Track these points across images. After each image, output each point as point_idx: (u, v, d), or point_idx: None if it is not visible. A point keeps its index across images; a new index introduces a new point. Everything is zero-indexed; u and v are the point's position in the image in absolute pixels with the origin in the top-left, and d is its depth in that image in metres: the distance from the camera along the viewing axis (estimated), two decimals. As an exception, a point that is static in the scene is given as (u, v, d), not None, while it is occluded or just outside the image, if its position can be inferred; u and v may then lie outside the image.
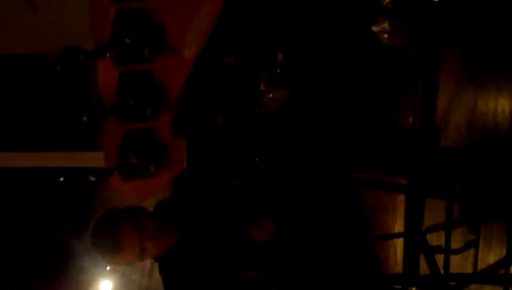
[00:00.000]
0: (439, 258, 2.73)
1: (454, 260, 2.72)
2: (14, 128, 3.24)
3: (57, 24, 2.69)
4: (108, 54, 1.26)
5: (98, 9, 1.26)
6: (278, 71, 2.38)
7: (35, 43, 2.84)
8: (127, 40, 1.25)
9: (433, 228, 2.91)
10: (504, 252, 2.46)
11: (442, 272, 2.69)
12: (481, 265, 2.63)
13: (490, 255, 2.58)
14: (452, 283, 2.64)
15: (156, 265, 2.14)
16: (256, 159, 2.22)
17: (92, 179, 1.31)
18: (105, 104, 1.31)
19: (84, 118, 1.28)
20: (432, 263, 2.71)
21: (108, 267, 3.79)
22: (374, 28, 2.68)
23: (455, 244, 2.73)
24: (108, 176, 1.34)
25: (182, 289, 2.05)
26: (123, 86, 1.29)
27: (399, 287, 2.71)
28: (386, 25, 2.69)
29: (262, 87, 2.36)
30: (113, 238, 1.87)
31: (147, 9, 1.26)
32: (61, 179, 1.30)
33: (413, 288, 2.70)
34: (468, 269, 2.68)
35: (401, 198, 3.18)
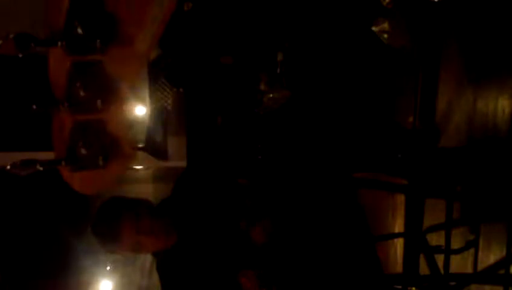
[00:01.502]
0: (439, 258, 2.72)
1: (454, 260, 2.72)
2: (15, 129, 3.24)
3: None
4: (59, 43, 1.25)
5: None
6: (278, 71, 2.38)
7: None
8: (80, 30, 1.24)
9: (433, 228, 2.91)
10: (504, 252, 2.45)
11: (442, 272, 2.69)
12: (481, 265, 2.62)
13: (490, 255, 2.58)
14: (452, 283, 2.63)
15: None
16: (260, 157, 2.22)
17: (39, 168, 1.30)
18: (56, 93, 1.30)
19: (33, 106, 1.27)
20: (431, 263, 2.71)
21: (108, 267, 3.79)
22: (374, 28, 2.68)
23: (455, 244, 2.73)
24: (57, 165, 1.33)
25: (179, 288, 2.05)
26: (74, 75, 1.28)
27: (399, 287, 2.71)
28: (386, 25, 2.69)
29: (262, 87, 2.37)
30: (111, 227, 1.90)
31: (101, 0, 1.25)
32: (8, 167, 1.29)
33: (413, 288, 2.70)
34: (468, 269, 2.68)
35: (401, 198, 3.18)
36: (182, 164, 2.86)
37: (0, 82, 2.88)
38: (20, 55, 1.23)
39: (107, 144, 1.35)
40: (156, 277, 2.14)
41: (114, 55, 1.30)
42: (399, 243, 3.24)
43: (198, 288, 2.03)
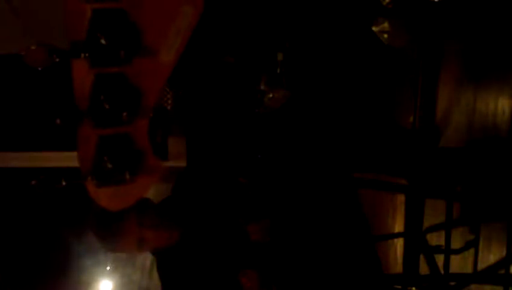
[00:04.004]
0: (439, 258, 2.72)
1: (454, 260, 2.72)
2: (14, 129, 3.24)
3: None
4: (83, 55, 1.22)
5: (72, 7, 1.22)
6: (278, 71, 2.38)
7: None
8: (103, 41, 1.21)
9: (433, 228, 2.91)
10: (504, 252, 2.45)
11: (442, 272, 2.69)
12: (481, 265, 2.62)
13: (490, 255, 2.58)
14: (452, 283, 2.63)
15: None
16: (259, 156, 2.22)
17: (63, 183, 1.28)
18: (80, 106, 1.27)
19: (57, 121, 1.24)
20: (431, 263, 2.71)
21: (108, 267, 3.79)
22: (374, 28, 2.68)
23: (455, 244, 2.73)
24: (82, 181, 1.31)
25: (180, 288, 2.05)
26: (98, 88, 1.25)
27: (399, 287, 2.71)
28: (386, 25, 2.68)
29: (262, 87, 2.36)
30: (114, 221, 1.88)
31: (124, 10, 1.22)
32: (33, 182, 1.27)
33: (413, 288, 2.70)
34: (468, 269, 2.68)
35: (401, 198, 3.18)
36: (182, 163, 2.87)
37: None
38: (40, 68, 1.21)
39: (133, 158, 1.32)
40: (156, 276, 2.14)
41: (138, 67, 1.27)
42: (399, 243, 3.24)
43: (198, 288, 2.03)
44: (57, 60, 1.20)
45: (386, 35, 2.69)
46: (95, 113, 1.25)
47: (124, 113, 1.25)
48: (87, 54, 1.21)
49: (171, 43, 1.28)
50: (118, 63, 1.23)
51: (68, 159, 3.24)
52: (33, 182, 1.26)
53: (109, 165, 1.27)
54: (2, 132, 3.22)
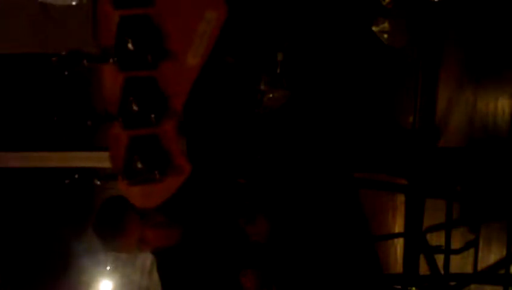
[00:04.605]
0: (439, 258, 2.73)
1: (454, 260, 2.72)
2: (14, 129, 3.24)
3: (59, 25, 2.69)
4: (111, 59, 1.26)
5: (101, 14, 1.26)
6: (278, 71, 2.38)
7: (36, 43, 2.85)
8: (130, 46, 1.25)
9: (433, 228, 2.91)
10: (504, 252, 2.46)
11: (442, 272, 2.69)
12: (481, 265, 2.62)
13: (490, 255, 2.58)
14: (452, 283, 2.64)
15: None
16: (259, 157, 2.22)
17: (97, 182, 1.32)
18: (110, 109, 1.31)
19: (89, 122, 1.28)
20: (431, 263, 2.71)
21: (108, 267, 3.79)
22: (374, 28, 2.68)
23: (455, 244, 2.73)
24: (114, 180, 1.34)
25: (180, 288, 2.05)
26: (127, 91, 1.29)
27: (399, 287, 2.71)
28: (386, 25, 2.68)
29: (262, 87, 2.37)
30: (115, 219, 1.89)
31: (149, 16, 1.26)
32: (67, 181, 1.30)
33: (413, 288, 2.70)
34: (468, 269, 2.68)
35: (401, 198, 3.18)
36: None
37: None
38: (66, 73, 1.24)
39: (162, 158, 1.36)
40: (156, 276, 2.14)
41: (165, 71, 1.32)
42: (399, 243, 3.24)
43: (198, 288, 2.03)
44: (87, 64, 1.24)
45: (386, 35, 2.69)
46: (124, 115, 1.29)
47: (152, 115, 1.30)
48: (115, 59, 1.26)
49: (196, 47, 1.32)
50: (145, 67, 1.28)
51: (68, 159, 3.24)
52: (67, 181, 1.29)
53: (139, 165, 1.32)
54: (2, 132, 3.23)
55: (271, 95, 2.35)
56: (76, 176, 1.31)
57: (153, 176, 1.35)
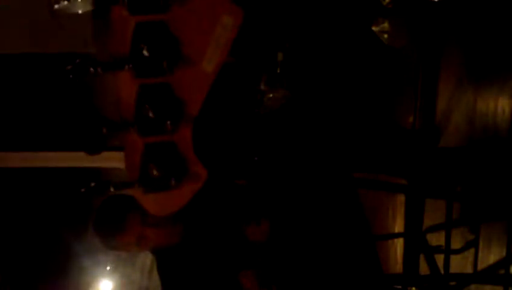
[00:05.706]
0: (439, 258, 2.73)
1: (454, 260, 2.72)
2: (15, 129, 3.25)
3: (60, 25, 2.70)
4: (126, 66, 1.25)
5: (116, 21, 1.25)
6: (278, 71, 2.38)
7: (36, 43, 2.86)
8: (146, 53, 1.24)
9: (433, 228, 2.91)
10: (504, 252, 2.45)
11: (442, 272, 2.69)
12: (481, 265, 2.62)
13: (490, 255, 2.58)
14: (452, 283, 2.64)
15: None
16: (256, 158, 2.22)
17: (112, 190, 1.31)
18: (126, 116, 1.30)
19: (104, 130, 1.27)
20: (431, 263, 2.71)
21: (108, 267, 3.79)
22: (374, 28, 2.68)
23: (455, 244, 2.73)
24: (130, 187, 1.34)
25: (180, 288, 2.06)
26: (143, 98, 1.28)
27: (399, 287, 2.71)
28: (386, 25, 2.68)
29: (262, 87, 2.36)
30: (116, 217, 1.89)
31: (165, 22, 1.26)
32: (83, 189, 1.29)
33: (413, 288, 2.70)
34: (468, 269, 2.68)
35: (401, 198, 3.18)
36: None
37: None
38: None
39: (178, 165, 1.35)
40: (156, 276, 2.14)
41: (180, 77, 1.31)
42: (399, 243, 3.25)
43: (198, 288, 2.03)
44: (101, 72, 1.23)
45: (386, 35, 2.69)
46: (140, 122, 1.29)
47: (168, 122, 1.29)
48: (131, 66, 1.25)
49: (212, 53, 1.32)
50: (160, 73, 1.27)
51: (68, 159, 3.25)
52: (83, 190, 1.28)
53: (155, 172, 1.31)
54: (3, 132, 3.23)
55: (271, 95, 2.35)
56: (93, 184, 1.30)
57: (169, 183, 1.34)
